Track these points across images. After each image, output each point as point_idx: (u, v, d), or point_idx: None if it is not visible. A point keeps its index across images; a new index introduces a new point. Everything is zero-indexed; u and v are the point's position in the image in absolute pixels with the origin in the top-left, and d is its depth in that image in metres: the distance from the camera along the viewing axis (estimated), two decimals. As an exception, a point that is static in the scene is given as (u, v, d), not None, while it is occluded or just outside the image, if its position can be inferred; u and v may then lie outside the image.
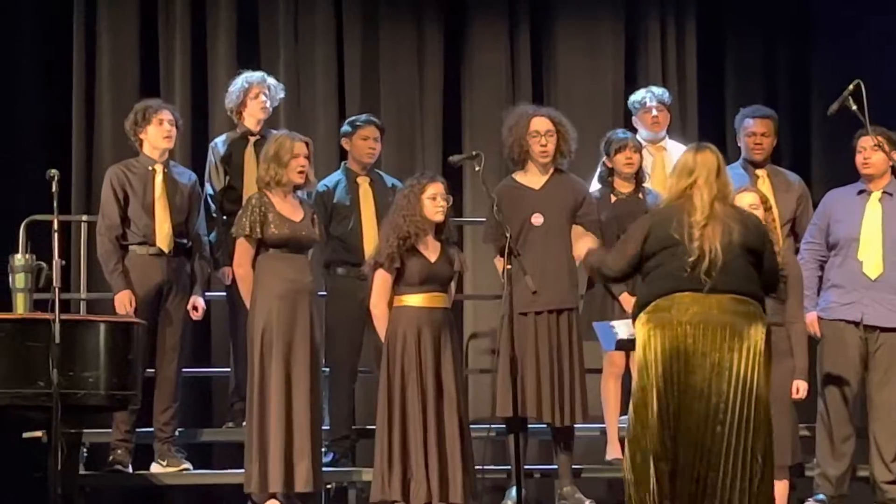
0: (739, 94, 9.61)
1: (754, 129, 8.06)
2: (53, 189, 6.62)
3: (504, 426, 7.49)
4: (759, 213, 6.83)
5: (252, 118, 8.10)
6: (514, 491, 7.14)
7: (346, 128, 8.09)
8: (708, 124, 9.53)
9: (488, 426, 7.43)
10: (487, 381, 8.27)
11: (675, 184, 6.10)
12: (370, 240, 7.69)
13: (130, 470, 7.66)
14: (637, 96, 8.44)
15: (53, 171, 6.65)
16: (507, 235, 6.89)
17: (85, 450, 7.51)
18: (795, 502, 7.47)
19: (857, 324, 7.49)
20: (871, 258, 7.49)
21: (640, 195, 7.75)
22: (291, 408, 7.11)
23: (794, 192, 8.09)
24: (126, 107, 8.06)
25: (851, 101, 6.99)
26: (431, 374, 7.10)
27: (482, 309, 9.25)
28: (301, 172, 7.31)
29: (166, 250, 7.58)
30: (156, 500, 8.77)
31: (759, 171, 8.04)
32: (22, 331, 6.57)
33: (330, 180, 7.98)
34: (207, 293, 7.95)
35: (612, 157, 7.74)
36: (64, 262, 6.67)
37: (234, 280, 7.52)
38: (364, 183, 7.96)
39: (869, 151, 7.54)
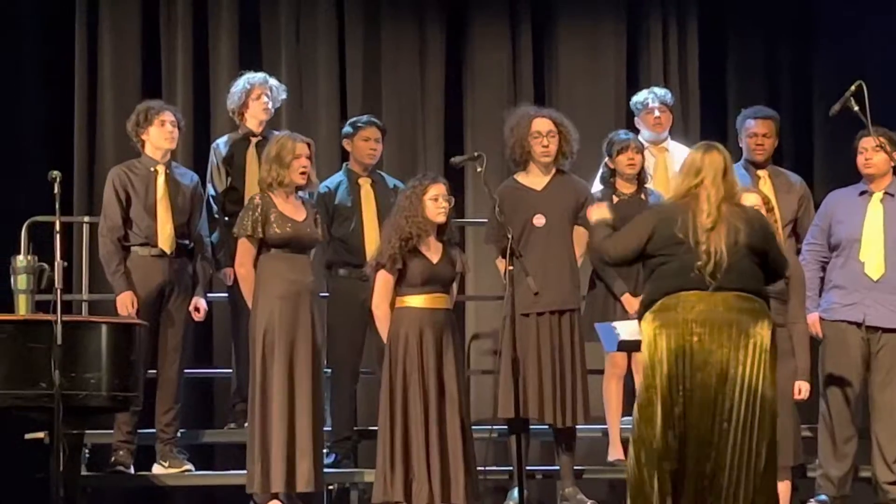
0: (741, 95, 9.61)
1: (756, 129, 8.06)
2: (55, 190, 6.61)
3: (506, 427, 7.48)
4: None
5: (254, 119, 8.10)
6: (515, 492, 7.14)
7: (347, 129, 8.09)
8: (710, 125, 9.53)
9: (490, 427, 7.43)
10: (489, 382, 8.26)
11: (682, 182, 6.10)
12: (371, 241, 7.69)
13: (132, 471, 7.66)
14: (639, 97, 8.44)
15: (55, 173, 6.65)
16: (509, 236, 6.89)
17: (87, 451, 7.52)
18: (797, 503, 7.47)
19: (859, 325, 7.49)
20: (872, 259, 7.49)
21: (643, 196, 7.74)
22: (293, 408, 7.11)
23: (796, 192, 8.09)
24: (128, 108, 8.07)
25: (853, 101, 6.98)
26: (433, 375, 7.10)
27: (484, 310, 9.25)
28: (303, 173, 7.31)
29: (168, 251, 7.57)
30: (158, 501, 8.77)
31: (760, 172, 8.04)
32: (24, 332, 6.58)
33: (331, 181, 7.98)
34: (209, 294, 7.95)
35: (614, 157, 7.73)
36: (66, 264, 6.67)
37: (235, 281, 7.53)
38: (366, 184, 7.96)
39: (870, 152, 7.54)
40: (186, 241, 7.68)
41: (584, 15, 9.77)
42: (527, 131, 7.51)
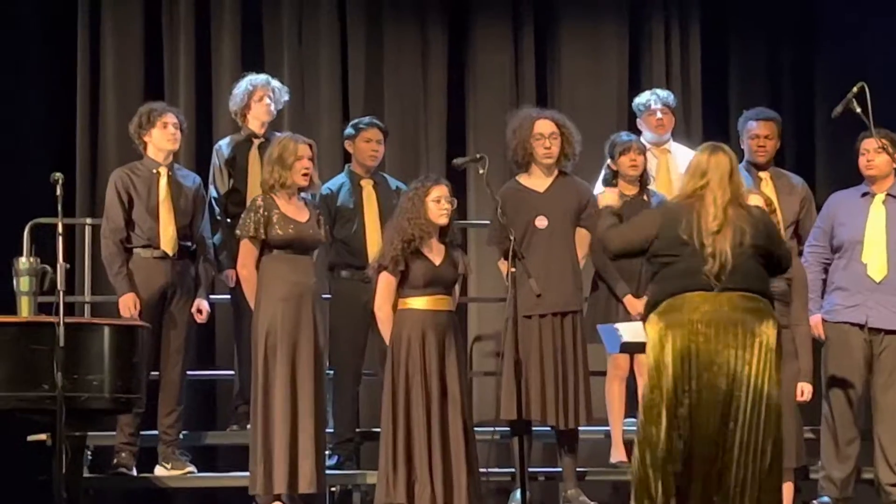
0: (743, 97, 9.61)
1: (757, 131, 8.05)
2: (58, 192, 6.61)
3: (508, 429, 7.47)
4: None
5: (256, 121, 8.10)
6: (518, 494, 7.13)
7: (349, 130, 8.09)
8: (712, 127, 9.53)
9: (492, 429, 7.41)
10: (492, 384, 8.27)
11: (687, 183, 6.10)
12: (374, 243, 7.70)
13: (135, 473, 7.66)
14: (641, 99, 8.44)
15: (58, 175, 6.64)
16: (511, 238, 6.89)
17: (89, 453, 7.52)
18: (800, 504, 7.49)
19: (861, 326, 7.49)
20: (875, 260, 7.48)
21: (645, 197, 7.74)
22: (296, 410, 7.11)
23: (798, 194, 8.09)
24: (130, 109, 8.07)
25: (856, 103, 6.98)
26: (436, 377, 7.09)
27: (486, 311, 9.25)
28: (305, 175, 7.31)
29: (170, 253, 7.57)
30: (160, 503, 8.77)
31: (762, 174, 8.04)
32: (26, 334, 6.58)
33: (333, 183, 7.98)
34: (211, 296, 7.96)
35: (617, 159, 7.73)
36: (68, 266, 6.67)
37: (238, 283, 7.53)
38: (368, 186, 7.96)
39: (872, 154, 7.54)
40: (189, 243, 7.68)
41: (587, 17, 9.77)
42: (529, 133, 7.51)
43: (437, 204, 7.17)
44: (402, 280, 7.16)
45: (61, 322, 6.40)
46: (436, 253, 7.20)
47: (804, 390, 7.26)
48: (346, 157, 8.25)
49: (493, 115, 9.30)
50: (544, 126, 7.53)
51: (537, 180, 7.57)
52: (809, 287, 7.40)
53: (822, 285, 7.63)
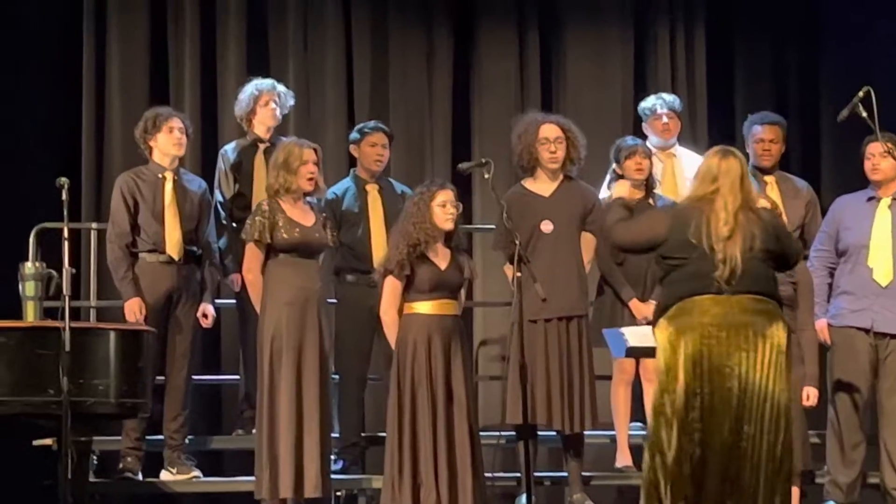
0: (749, 100, 9.60)
1: (762, 135, 8.04)
2: (63, 197, 6.62)
3: (514, 433, 7.47)
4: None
5: (262, 125, 8.11)
6: (524, 498, 7.13)
7: (354, 135, 8.10)
8: (717, 130, 9.52)
9: (498, 433, 7.41)
10: (497, 389, 8.26)
11: (698, 187, 6.09)
12: (379, 247, 7.70)
13: (140, 477, 7.66)
14: (647, 103, 8.44)
15: (63, 179, 6.65)
16: (517, 242, 6.89)
17: (95, 457, 7.50)
18: (806, 509, 7.48)
19: (867, 331, 7.48)
20: (881, 265, 7.48)
21: (651, 202, 7.73)
22: (301, 414, 7.11)
23: (803, 198, 8.07)
24: (136, 114, 8.08)
25: (861, 107, 6.97)
26: (441, 382, 7.10)
27: (492, 316, 9.24)
28: (310, 179, 7.31)
29: (176, 258, 7.58)
30: (166, 508, 8.78)
31: (767, 178, 8.02)
32: (32, 339, 6.58)
33: (339, 188, 7.98)
34: (217, 300, 7.95)
35: (622, 163, 7.72)
36: (74, 270, 6.68)
37: (243, 287, 7.53)
38: (373, 190, 7.97)
39: (878, 158, 7.53)
40: (194, 248, 7.69)
41: (592, 21, 9.77)
42: (534, 137, 7.51)
43: (443, 208, 7.18)
44: (408, 284, 7.16)
45: (67, 327, 6.40)
46: (441, 257, 7.21)
47: (810, 394, 7.25)
48: (352, 162, 8.25)
49: (498, 119, 9.29)
50: (550, 130, 7.53)
51: (543, 185, 7.57)
52: (815, 291, 7.40)
53: (827, 290, 7.62)
